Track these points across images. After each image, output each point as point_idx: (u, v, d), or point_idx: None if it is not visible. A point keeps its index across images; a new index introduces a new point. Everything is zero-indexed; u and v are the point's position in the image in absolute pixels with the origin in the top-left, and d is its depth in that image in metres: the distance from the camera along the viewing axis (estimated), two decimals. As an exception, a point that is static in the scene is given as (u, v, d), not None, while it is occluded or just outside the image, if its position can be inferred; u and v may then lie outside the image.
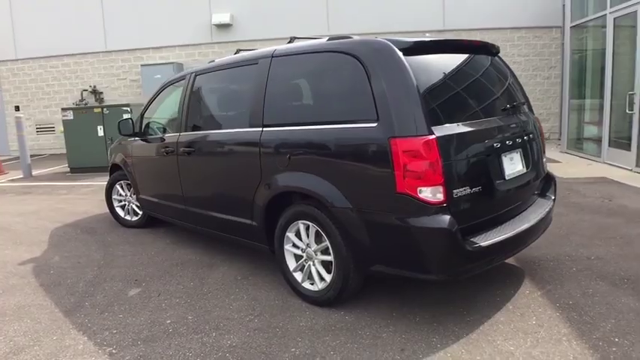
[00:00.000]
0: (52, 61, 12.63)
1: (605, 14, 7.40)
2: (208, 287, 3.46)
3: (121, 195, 5.25)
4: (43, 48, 12.44)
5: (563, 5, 10.22)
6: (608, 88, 7.47)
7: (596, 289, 3.10)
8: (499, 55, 3.37)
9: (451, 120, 2.63)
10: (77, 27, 12.18)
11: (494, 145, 2.77)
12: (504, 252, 2.80)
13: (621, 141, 7.41)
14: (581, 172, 7.16)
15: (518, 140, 2.99)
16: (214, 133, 3.63)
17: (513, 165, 2.95)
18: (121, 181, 5.19)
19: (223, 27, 12.22)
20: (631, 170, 6.87)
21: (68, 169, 9.39)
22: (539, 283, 3.24)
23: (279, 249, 3.20)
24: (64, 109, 9.22)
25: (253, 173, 3.23)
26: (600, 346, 2.45)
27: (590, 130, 8.85)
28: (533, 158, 3.16)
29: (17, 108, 12.85)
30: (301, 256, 3.11)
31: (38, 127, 12.98)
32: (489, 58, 3.21)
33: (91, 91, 12.44)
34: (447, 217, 2.45)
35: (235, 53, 3.93)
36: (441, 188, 2.45)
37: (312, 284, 3.07)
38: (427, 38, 2.84)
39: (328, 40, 2.98)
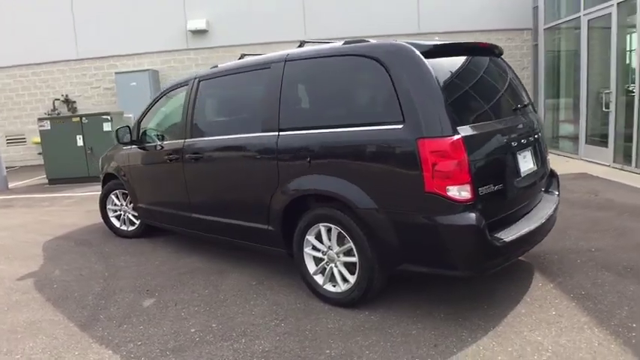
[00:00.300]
0: (22, 69, 12.17)
1: (580, 16, 7.75)
2: (225, 294, 3.43)
3: (116, 205, 5.12)
4: (11, 57, 11.98)
5: (534, 8, 10.64)
6: (584, 88, 7.81)
7: (604, 279, 3.25)
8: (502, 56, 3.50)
9: (471, 120, 2.72)
10: (47, 34, 11.78)
11: (512, 143, 2.88)
12: (523, 247, 2.91)
13: (598, 138, 7.76)
14: (561, 168, 7.39)
15: (530, 139, 3.11)
16: (224, 139, 3.60)
17: (526, 163, 3.06)
18: (116, 191, 5.07)
19: (199, 33, 12.09)
20: (609, 166, 7.20)
21: (46, 181, 9.06)
22: (550, 275, 3.36)
23: (298, 252, 3.21)
24: (40, 119, 8.91)
25: (269, 178, 3.22)
26: (620, 332, 2.57)
27: (565, 128, 9.21)
28: (542, 156, 3.29)
29: (-15, 119, 12.33)
30: (322, 259, 3.13)
31: (8, 138, 12.47)
32: (495, 59, 3.33)
33: (63, 101, 12.06)
34: (475, 214, 2.53)
35: (240, 58, 3.93)
36: (468, 186, 2.52)
37: (334, 286, 3.09)
38: (441, 41, 2.92)
39: (344, 44, 3.02)
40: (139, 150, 4.52)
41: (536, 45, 9.90)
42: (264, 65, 3.36)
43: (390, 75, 2.66)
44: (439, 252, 2.64)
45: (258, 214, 3.39)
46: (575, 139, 8.40)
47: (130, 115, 9.48)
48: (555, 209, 3.29)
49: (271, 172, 3.20)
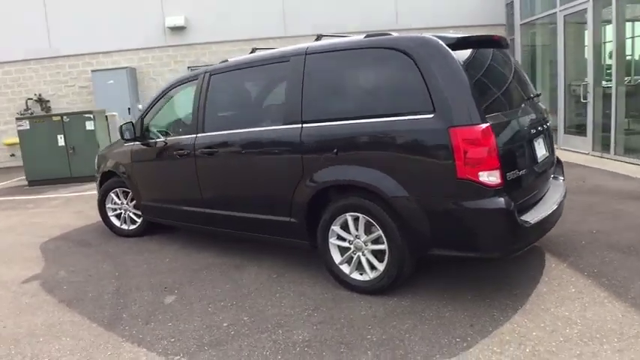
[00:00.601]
0: (-9, 68, 11.67)
1: (556, 12, 8.06)
2: (248, 288, 3.43)
3: (116, 203, 5.01)
4: (-21, 55, 11.46)
5: (507, 4, 10.99)
6: (561, 81, 8.14)
7: (611, 258, 3.43)
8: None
9: (493, 109, 2.82)
10: (18, 31, 11.30)
11: (531, 131, 3.00)
12: (544, 230, 3.04)
13: (575, 128, 8.10)
14: (544, 158, 7.75)
15: (542, 127, 3.25)
16: (242, 132, 3.58)
17: (541, 149, 3.20)
18: (116, 189, 4.96)
19: (177, 29, 11.88)
20: (588, 154, 7.54)
21: (25, 183, 8.72)
22: (560, 256, 3.53)
23: (323, 243, 3.24)
24: (19, 119, 8.57)
25: (293, 170, 3.24)
26: (639, 304, 2.74)
27: (543, 120, 9.55)
28: (551, 143, 3.44)
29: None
30: (348, 248, 3.17)
31: (-23, 140, 11.93)
32: (504, 51, 3.45)
33: (36, 100, 11.60)
34: (505, 198, 2.64)
35: (251, 52, 3.93)
36: (497, 172, 2.63)
37: (361, 274, 3.15)
38: (461, 34, 3.01)
39: (366, 37, 3.07)
40: (144, 146, 4.44)
41: (512, 39, 10.23)
42: (283, 58, 3.37)
43: (418, 66, 2.73)
44: (470, 235, 2.74)
45: (279, 206, 3.40)
46: (553, 129, 8.73)
47: (140, 106, 9.21)
48: (564, 195, 3.44)
49: (295, 164, 3.22)
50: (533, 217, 2.85)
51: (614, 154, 6.96)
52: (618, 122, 6.79)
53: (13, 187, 8.88)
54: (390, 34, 2.99)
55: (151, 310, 3.19)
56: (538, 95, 3.51)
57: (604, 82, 7.33)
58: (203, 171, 3.88)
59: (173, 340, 2.78)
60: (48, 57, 11.62)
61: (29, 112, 11.38)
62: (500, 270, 3.33)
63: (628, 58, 7.55)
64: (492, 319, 2.71)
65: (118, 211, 5.02)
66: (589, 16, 7.18)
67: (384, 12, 12.02)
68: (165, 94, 4.40)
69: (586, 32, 7.35)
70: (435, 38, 2.77)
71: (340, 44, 3.13)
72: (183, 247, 4.49)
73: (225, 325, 2.91)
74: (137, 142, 4.50)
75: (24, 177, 8.86)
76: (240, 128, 3.64)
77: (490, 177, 2.62)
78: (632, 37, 7.48)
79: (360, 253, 3.12)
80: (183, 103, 4.14)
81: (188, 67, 12.33)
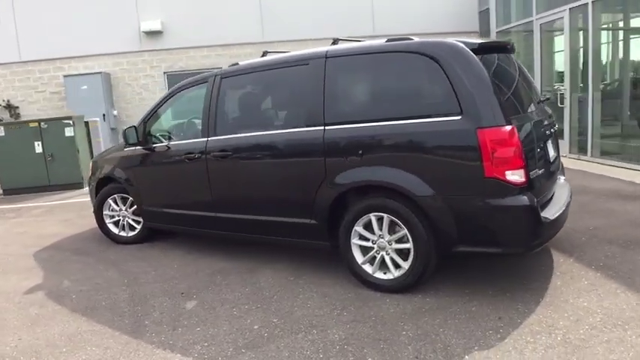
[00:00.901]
0: (-44, 73, 11.12)
1: (532, 20, 8.45)
2: (268, 291, 3.42)
3: (114, 210, 4.88)
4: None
5: (480, 12, 11.40)
6: (537, 87, 8.51)
7: (613, 252, 3.64)
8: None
9: (514, 111, 2.96)
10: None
11: (546, 132, 3.16)
12: (558, 227, 3.18)
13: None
14: (524, 160, 8.08)
15: (552, 129, 3.43)
16: (259, 135, 3.59)
17: (551, 150, 3.37)
18: (115, 195, 4.83)
19: (154, 34, 11.68)
20: (565, 156, 7.90)
21: (0, 191, 8.35)
22: (565, 252, 3.70)
23: (345, 243, 3.29)
24: (-8, 125, 8.21)
25: (315, 172, 3.28)
26: (650, 293, 2.94)
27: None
28: (557, 145, 3.63)
29: None
30: (370, 248, 3.23)
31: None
32: (512, 57, 3.62)
33: (4, 106, 11.11)
34: (529, 196, 2.77)
35: (262, 55, 3.95)
36: (522, 171, 2.75)
37: (384, 273, 3.21)
38: (480, 40, 3.13)
39: (387, 41, 3.16)
40: (148, 151, 4.36)
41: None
42: (301, 62, 3.41)
43: (444, 70, 2.83)
44: (495, 232, 2.85)
45: (299, 208, 3.43)
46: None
47: (116, 113, 8.89)
48: (570, 195, 3.62)
49: (317, 165, 3.26)
50: (551, 213, 3.00)
51: (591, 155, 7.33)
52: (594, 126, 7.17)
53: (-14, 196, 8.48)
54: (411, 39, 3.08)
55: (174, 316, 3.14)
56: (548, 99, 3.69)
57: (581, 88, 7.71)
58: (215, 174, 3.85)
59: (207, 344, 2.75)
60: (16, 62, 11.18)
61: (-2, 118, 10.90)
62: (511, 266, 3.47)
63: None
64: (517, 311, 2.82)
65: (116, 218, 4.90)
66: (565, 25, 7.57)
67: (361, 18, 12.22)
68: (169, 97, 4.34)
69: (562, 40, 7.72)
70: (460, 43, 2.88)
71: (364, 48, 3.21)
72: (188, 252, 4.43)
73: (256, 327, 2.90)
74: (140, 147, 4.41)
75: (-2, 186, 8.49)
76: (256, 131, 3.65)
77: (516, 176, 2.74)
78: (608, 43, 7.92)
79: (384, 253, 3.18)
80: (190, 107, 4.10)
81: (164, 73, 12.16)
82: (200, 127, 3.98)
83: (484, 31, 11.30)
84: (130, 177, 4.57)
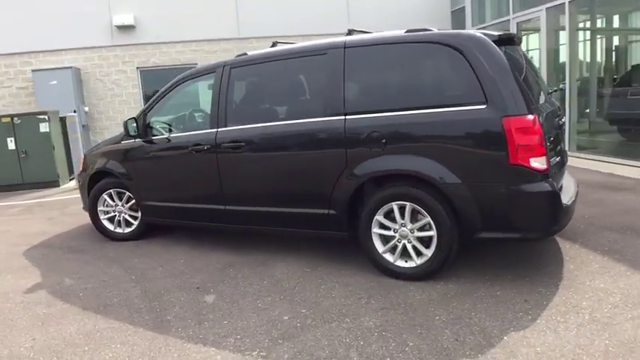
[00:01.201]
0: None
1: (509, 19, 8.74)
2: (288, 283, 3.40)
3: (109, 205, 4.70)
4: None
5: (452, 12, 11.69)
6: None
7: (614, 238, 3.82)
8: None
9: (532, 101, 3.06)
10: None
11: (559, 122, 3.29)
12: (571, 214, 3.31)
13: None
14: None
15: (562, 120, 3.57)
16: (275, 125, 3.54)
17: (561, 141, 3.50)
18: (110, 190, 4.65)
19: (126, 29, 11.32)
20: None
21: (-31, 191, 7.88)
22: (569, 239, 3.86)
23: (366, 233, 3.30)
24: (-40, 121, 7.74)
25: (335, 161, 3.27)
26: (657, 273, 3.11)
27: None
28: (564, 135, 3.77)
29: None
30: (391, 237, 3.26)
31: None
32: (519, 48, 3.73)
33: (-34, 101, 10.52)
34: (551, 182, 2.87)
35: (272, 46, 3.90)
36: (544, 158, 2.85)
37: (406, 262, 3.25)
38: (499, 32, 3.22)
39: (406, 32, 3.19)
40: (149, 143, 4.23)
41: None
42: (319, 52, 3.40)
43: (468, 61, 2.90)
44: (517, 218, 2.94)
45: (317, 198, 3.41)
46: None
47: (87, 109, 8.52)
48: (577, 185, 3.75)
49: (338, 155, 3.26)
50: (566, 199, 3.12)
51: (569, 150, 7.65)
52: (572, 122, 7.50)
53: (-47, 196, 7.97)
54: (431, 30, 3.13)
55: (196, 311, 3.07)
56: (555, 90, 3.84)
57: (559, 86, 8.04)
58: (226, 166, 3.78)
59: (239, 336, 2.70)
60: (-21, 54, 10.59)
61: (-41, 114, 10.25)
62: (521, 253, 3.59)
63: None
64: (540, 294, 2.92)
65: (112, 214, 4.72)
66: (542, 24, 7.87)
67: (335, 15, 12.26)
68: (173, 88, 4.21)
69: (538, 39, 8.03)
70: (482, 34, 2.96)
71: (384, 38, 3.23)
72: (193, 247, 4.33)
73: (286, 318, 2.87)
74: (140, 139, 4.27)
75: (-35, 184, 8.00)
76: (271, 121, 3.60)
77: (538, 163, 2.84)
78: (584, 41, 8.29)
79: (406, 241, 3.22)
80: (196, 98, 4.00)
81: (137, 68, 11.80)
82: (208, 119, 3.89)
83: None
84: (129, 170, 4.41)
